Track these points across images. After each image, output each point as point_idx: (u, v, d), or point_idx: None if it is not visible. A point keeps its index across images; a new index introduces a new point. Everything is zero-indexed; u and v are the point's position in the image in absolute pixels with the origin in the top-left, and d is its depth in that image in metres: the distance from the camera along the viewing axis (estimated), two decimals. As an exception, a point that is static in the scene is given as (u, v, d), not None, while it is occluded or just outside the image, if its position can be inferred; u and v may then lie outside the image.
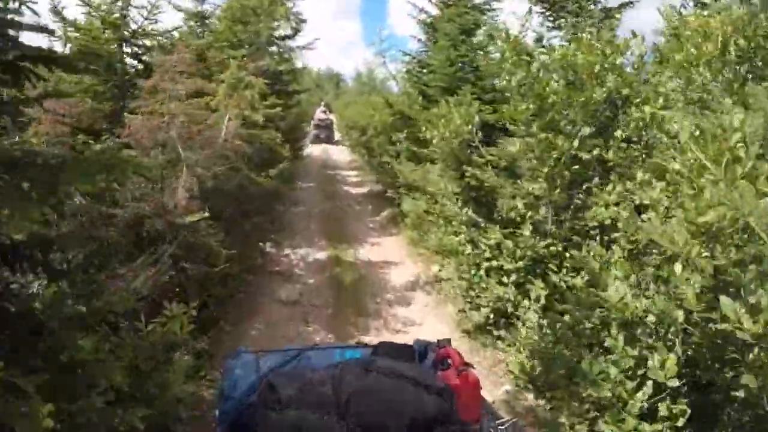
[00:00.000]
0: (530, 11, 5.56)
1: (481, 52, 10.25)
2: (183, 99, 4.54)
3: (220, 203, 6.33)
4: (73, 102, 4.82)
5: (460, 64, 10.10)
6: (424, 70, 11.25)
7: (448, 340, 2.24)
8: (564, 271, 5.78)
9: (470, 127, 6.90)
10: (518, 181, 6.19)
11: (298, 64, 15.83)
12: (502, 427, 1.75)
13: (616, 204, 4.45)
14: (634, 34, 4.66)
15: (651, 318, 3.09)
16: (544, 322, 5.12)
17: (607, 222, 4.82)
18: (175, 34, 8.38)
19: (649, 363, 3.20)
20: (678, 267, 2.89)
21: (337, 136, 23.84)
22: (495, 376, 5.84)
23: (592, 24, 6.46)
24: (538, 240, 5.70)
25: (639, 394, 3.20)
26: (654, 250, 3.37)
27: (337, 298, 7.31)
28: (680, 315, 2.98)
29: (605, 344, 3.57)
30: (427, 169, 9.17)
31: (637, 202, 4.20)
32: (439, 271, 8.64)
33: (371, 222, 11.64)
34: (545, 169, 5.13)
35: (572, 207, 5.54)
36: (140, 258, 5.01)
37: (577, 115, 5.04)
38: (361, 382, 1.70)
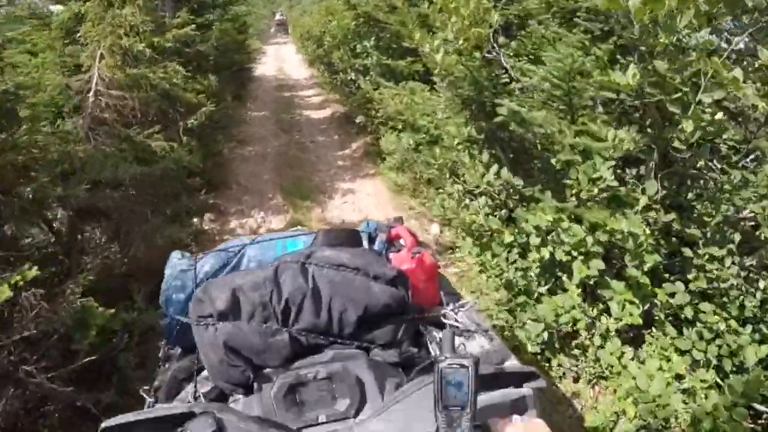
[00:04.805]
0: None
1: None
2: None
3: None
4: None
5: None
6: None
7: (400, 218, 2.00)
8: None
9: (489, 30, 4.30)
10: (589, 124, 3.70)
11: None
12: (464, 309, 1.55)
13: None
14: None
15: None
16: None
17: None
18: None
19: None
20: None
21: (291, 42, 30.96)
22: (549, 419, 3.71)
23: None
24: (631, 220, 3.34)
25: None
26: None
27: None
28: None
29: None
30: (412, 88, 6.47)
31: None
32: (440, 233, 6.31)
33: (340, 159, 9.01)
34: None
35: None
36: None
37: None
38: (298, 281, 1.45)
